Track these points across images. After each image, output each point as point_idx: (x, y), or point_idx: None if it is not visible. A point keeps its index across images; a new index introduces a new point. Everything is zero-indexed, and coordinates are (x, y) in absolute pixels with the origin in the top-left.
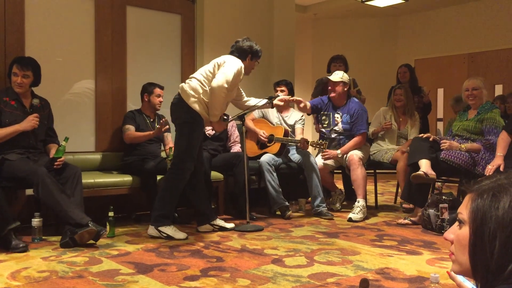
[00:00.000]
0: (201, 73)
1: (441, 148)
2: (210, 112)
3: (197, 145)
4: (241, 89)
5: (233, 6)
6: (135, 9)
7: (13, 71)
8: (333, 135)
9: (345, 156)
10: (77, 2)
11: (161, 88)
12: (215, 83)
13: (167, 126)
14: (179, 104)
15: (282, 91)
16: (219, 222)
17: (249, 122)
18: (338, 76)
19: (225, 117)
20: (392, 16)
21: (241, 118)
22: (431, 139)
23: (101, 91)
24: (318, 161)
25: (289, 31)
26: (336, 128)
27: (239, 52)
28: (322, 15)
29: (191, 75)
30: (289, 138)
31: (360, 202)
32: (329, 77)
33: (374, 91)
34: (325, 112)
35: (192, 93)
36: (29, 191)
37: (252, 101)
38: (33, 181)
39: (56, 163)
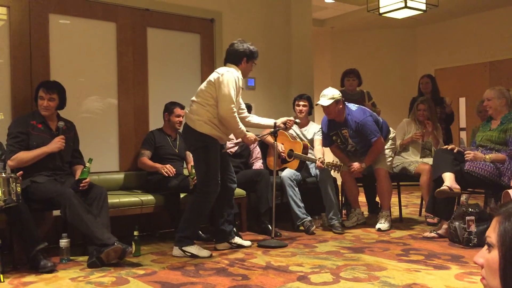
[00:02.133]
0: (198, 93)
1: (465, 159)
2: (234, 133)
3: (217, 166)
4: (242, 102)
5: (250, 23)
6: (155, 30)
7: (39, 95)
8: (352, 149)
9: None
10: (99, 25)
11: (182, 107)
12: (221, 110)
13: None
14: (188, 132)
15: (304, 105)
16: (237, 240)
17: (269, 138)
18: (327, 98)
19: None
20: (410, 27)
21: (274, 133)
22: (455, 150)
23: (124, 111)
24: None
25: (307, 45)
26: (349, 142)
27: (233, 57)
28: (339, 28)
29: (191, 99)
30: (307, 156)
31: (384, 212)
32: (318, 102)
33: (395, 102)
34: (333, 133)
35: (196, 117)
36: (56, 212)
37: (255, 118)
38: (60, 202)
39: (81, 185)
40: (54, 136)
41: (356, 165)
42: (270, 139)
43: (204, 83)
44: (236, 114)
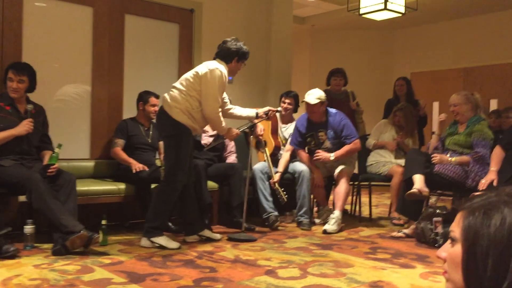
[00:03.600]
0: (181, 81)
1: (432, 162)
2: (217, 130)
3: (186, 157)
4: (225, 95)
5: (231, 16)
6: (133, 18)
7: (9, 76)
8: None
9: (336, 169)
10: (76, 10)
11: (157, 97)
12: (206, 109)
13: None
14: (163, 116)
15: (290, 103)
16: (207, 232)
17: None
18: (314, 97)
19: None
20: (389, 29)
21: (250, 128)
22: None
23: (97, 98)
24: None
25: (286, 42)
26: (323, 146)
27: (225, 54)
28: (320, 26)
29: (173, 84)
30: (269, 163)
31: (335, 214)
32: (305, 100)
33: (371, 103)
34: (309, 133)
35: (174, 103)
36: (22, 198)
37: (237, 110)
38: (27, 187)
39: (49, 170)
40: (22, 119)
41: (325, 154)
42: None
43: (190, 73)
44: (220, 113)
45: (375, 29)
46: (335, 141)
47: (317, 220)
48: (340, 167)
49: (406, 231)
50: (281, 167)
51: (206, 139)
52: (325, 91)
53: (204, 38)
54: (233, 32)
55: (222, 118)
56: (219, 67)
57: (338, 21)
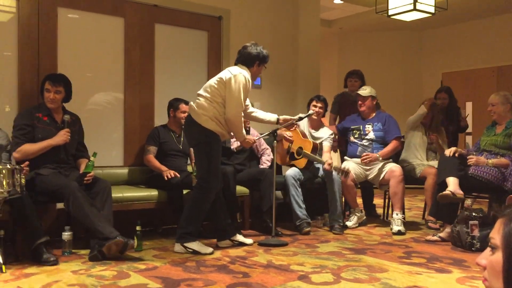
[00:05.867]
0: (206, 89)
1: (468, 163)
2: (236, 136)
3: (218, 163)
4: (247, 100)
5: (258, 21)
6: (163, 27)
7: (46, 87)
8: (366, 143)
9: (379, 172)
10: (107, 20)
11: (187, 103)
12: (229, 113)
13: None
14: (192, 125)
15: (321, 108)
16: (239, 237)
17: (281, 131)
18: (366, 91)
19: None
20: (418, 29)
21: (273, 133)
22: (456, 154)
23: (130, 107)
24: (351, 166)
25: (314, 46)
26: (367, 137)
27: (246, 59)
28: (347, 29)
29: (198, 92)
30: (316, 157)
31: (398, 215)
32: (359, 92)
33: (400, 103)
34: (355, 127)
35: (202, 111)
36: (60, 205)
37: (259, 114)
38: (64, 195)
39: (86, 178)
40: (59, 129)
41: (372, 155)
42: (282, 132)
43: (214, 80)
44: (242, 118)
45: (404, 29)
46: (380, 133)
47: (348, 224)
48: (389, 165)
49: (441, 234)
50: (327, 157)
51: (235, 144)
52: (342, 93)
53: (233, 44)
54: (261, 38)
55: (243, 125)
56: (243, 72)
57: (366, 23)
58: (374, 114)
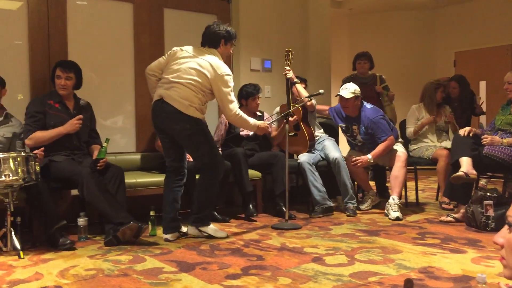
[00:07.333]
0: (189, 81)
1: (482, 143)
2: (246, 129)
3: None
4: None
5: (268, 4)
6: (172, 11)
7: (57, 74)
8: (359, 144)
9: (387, 155)
10: (116, 6)
11: None
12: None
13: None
14: (179, 115)
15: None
16: (184, 228)
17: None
18: (349, 91)
19: (259, 114)
20: (430, 8)
21: (285, 117)
22: (471, 134)
23: (141, 93)
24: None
25: (324, 27)
26: (358, 138)
27: (211, 39)
28: (357, 10)
29: (172, 79)
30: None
31: (395, 200)
32: (340, 94)
33: (412, 85)
34: (344, 125)
35: (188, 103)
36: (75, 191)
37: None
38: (78, 181)
39: (99, 164)
40: (71, 116)
41: (363, 158)
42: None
43: (192, 70)
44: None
45: (415, 9)
46: (366, 136)
47: (362, 206)
48: (396, 147)
49: (455, 215)
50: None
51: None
52: (352, 75)
53: (242, 27)
54: (270, 20)
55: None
56: (223, 67)
57: (376, 3)
58: (357, 113)
